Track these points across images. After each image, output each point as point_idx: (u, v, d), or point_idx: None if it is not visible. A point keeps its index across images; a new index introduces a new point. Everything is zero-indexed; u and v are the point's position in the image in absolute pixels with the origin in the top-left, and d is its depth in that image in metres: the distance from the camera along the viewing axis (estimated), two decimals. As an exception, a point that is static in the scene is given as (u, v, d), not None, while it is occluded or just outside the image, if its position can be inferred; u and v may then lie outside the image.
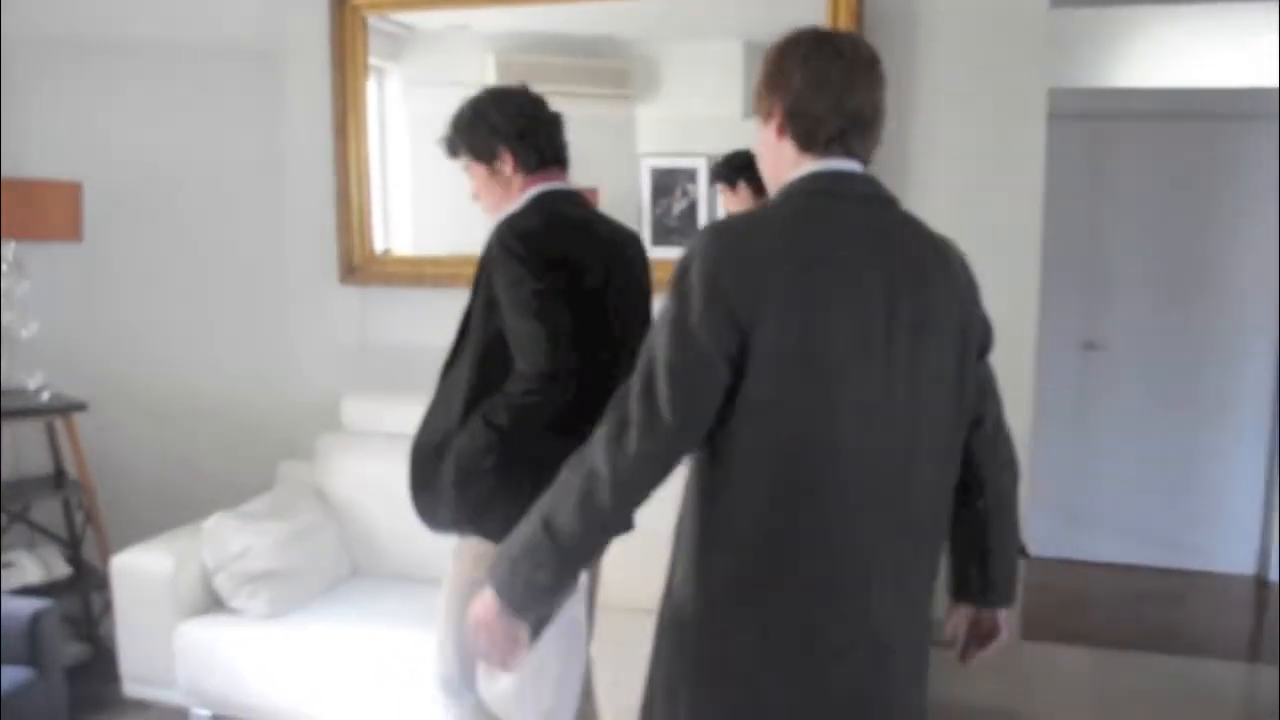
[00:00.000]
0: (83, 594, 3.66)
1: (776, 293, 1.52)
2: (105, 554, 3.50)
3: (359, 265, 3.83)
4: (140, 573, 3.30)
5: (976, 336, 1.72)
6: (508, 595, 1.61)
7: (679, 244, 3.48)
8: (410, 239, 3.94)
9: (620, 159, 3.64)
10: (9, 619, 2.86)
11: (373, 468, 3.47)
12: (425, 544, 2.55)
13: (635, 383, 1.55)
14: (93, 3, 3.76)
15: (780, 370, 1.52)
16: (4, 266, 3.42)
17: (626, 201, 3.59)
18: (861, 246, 1.60)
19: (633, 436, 1.52)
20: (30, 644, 2.84)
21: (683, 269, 1.56)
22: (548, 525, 1.56)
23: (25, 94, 3.73)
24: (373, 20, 3.75)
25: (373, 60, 3.80)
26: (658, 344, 1.54)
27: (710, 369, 1.51)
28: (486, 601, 1.63)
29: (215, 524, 3.26)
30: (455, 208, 3.92)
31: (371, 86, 3.83)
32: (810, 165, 1.65)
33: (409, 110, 3.88)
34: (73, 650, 3.61)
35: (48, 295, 3.54)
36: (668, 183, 3.59)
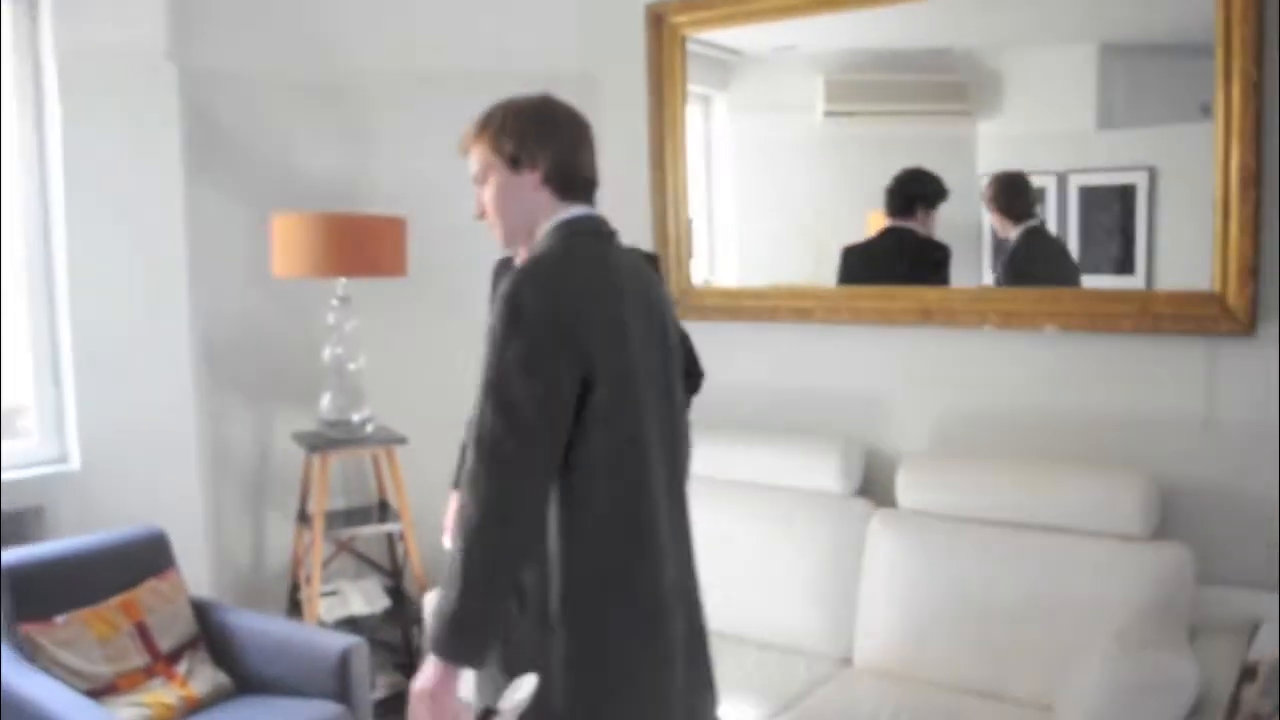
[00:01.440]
0: (402, 626, 3.71)
1: (601, 320, 1.83)
2: (422, 588, 3.52)
3: (678, 298, 3.68)
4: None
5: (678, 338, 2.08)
6: (440, 648, 1.76)
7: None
8: (735, 270, 3.79)
9: (958, 179, 3.33)
10: (320, 654, 2.89)
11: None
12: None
13: (496, 424, 1.75)
14: (414, 40, 3.82)
15: (615, 384, 1.83)
16: (335, 302, 3.52)
17: (965, 224, 3.30)
18: (633, 277, 1.98)
19: (514, 468, 1.75)
20: (339, 680, 2.87)
21: (514, 310, 1.77)
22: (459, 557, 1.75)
23: (361, 132, 3.85)
24: (699, 48, 3.63)
25: (699, 88, 3.68)
26: (512, 385, 1.75)
27: (566, 396, 1.78)
28: (425, 671, 1.78)
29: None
30: (778, 238, 3.77)
31: (698, 115, 3.71)
32: (569, 211, 1.96)
33: (734, 138, 3.74)
34: (391, 680, 3.66)
35: (372, 330, 3.61)
36: (1012, 204, 3.25)
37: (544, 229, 1.94)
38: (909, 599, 3.00)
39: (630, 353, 1.86)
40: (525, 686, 1.83)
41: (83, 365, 3.36)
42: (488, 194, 1.97)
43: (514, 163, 1.93)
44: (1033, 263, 3.24)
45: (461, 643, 1.76)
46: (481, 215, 2.00)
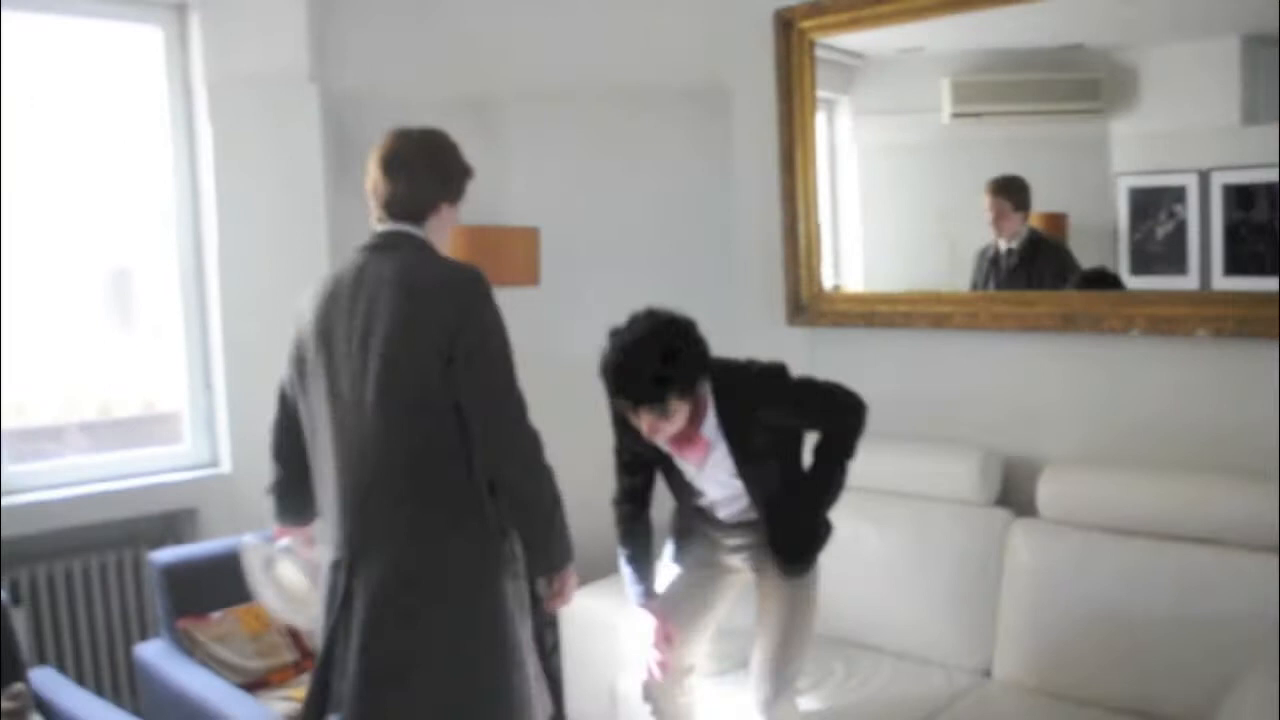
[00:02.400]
0: (536, 626, 3.75)
1: (302, 319, 2.46)
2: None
3: (807, 304, 3.68)
4: (586, 617, 3.33)
5: (441, 347, 2.18)
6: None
7: (1163, 272, 3.08)
8: (860, 275, 3.77)
9: (1091, 181, 3.27)
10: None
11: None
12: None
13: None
14: (546, 57, 3.89)
15: (297, 372, 2.45)
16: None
17: (1098, 227, 3.23)
18: (354, 285, 2.33)
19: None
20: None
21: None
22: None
23: (495, 146, 3.94)
24: (823, 52, 3.61)
25: (823, 93, 3.67)
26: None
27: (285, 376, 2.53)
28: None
29: (660, 567, 3.21)
30: (905, 242, 3.74)
31: (821, 120, 3.69)
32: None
33: (859, 142, 3.73)
34: (525, 682, 3.71)
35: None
36: (1149, 204, 3.14)
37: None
38: (1051, 611, 2.93)
39: (313, 348, 2.33)
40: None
41: (233, 372, 3.50)
42: None
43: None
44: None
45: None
46: None
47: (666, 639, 2.77)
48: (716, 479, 2.73)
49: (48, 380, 3.53)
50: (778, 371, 2.69)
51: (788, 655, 2.73)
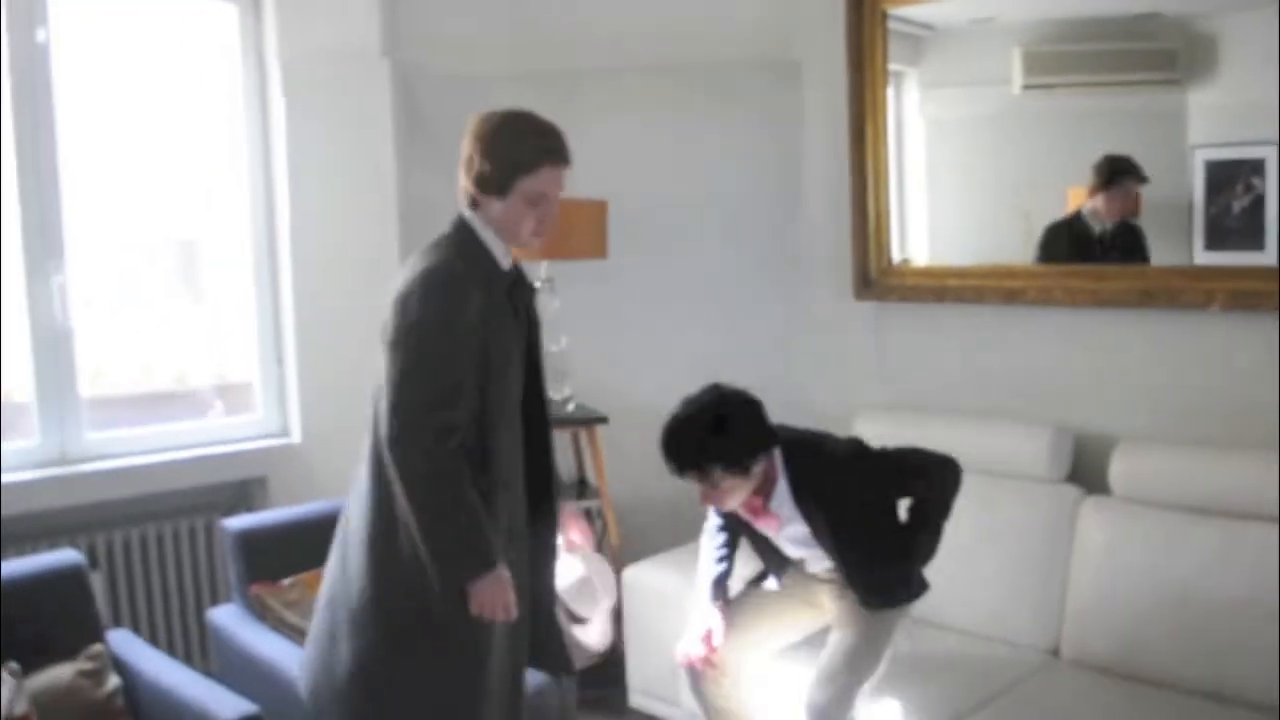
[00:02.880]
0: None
1: None
2: (618, 564, 3.58)
3: (876, 278, 3.65)
4: (648, 588, 3.34)
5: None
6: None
7: (1239, 248, 2.99)
8: (926, 249, 3.72)
9: (1165, 153, 3.18)
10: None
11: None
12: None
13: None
14: (614, 31, 3.89)
15: None
16: (539, 285, 3.61)
17: (1172, 201, 3.15)
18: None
19: None
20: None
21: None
22: None
23: (564, 119, 3.93)
24: (894, 24, 3.56)
25: (891, 65, 3.61)
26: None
27: None
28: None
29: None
30: (974, 217, 3.68)
31: (889, 92, 3.64)
32: None
33: (926, 114, 3.67)
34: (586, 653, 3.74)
35: (574, 311, 3.70)
36: (1227, 177, 3.06)
37: None
38: (1122, 591, 2.88)
39: None
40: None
41: (304, 345, 3.55)
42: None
43: None
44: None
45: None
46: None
47: (708, 640, 2.79)
48: (794, 543, 2.78)
49: (124, 350, 3.61)
50: (859, 452, 2.69)
51: (852, 667, 2.68)
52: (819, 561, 2.82)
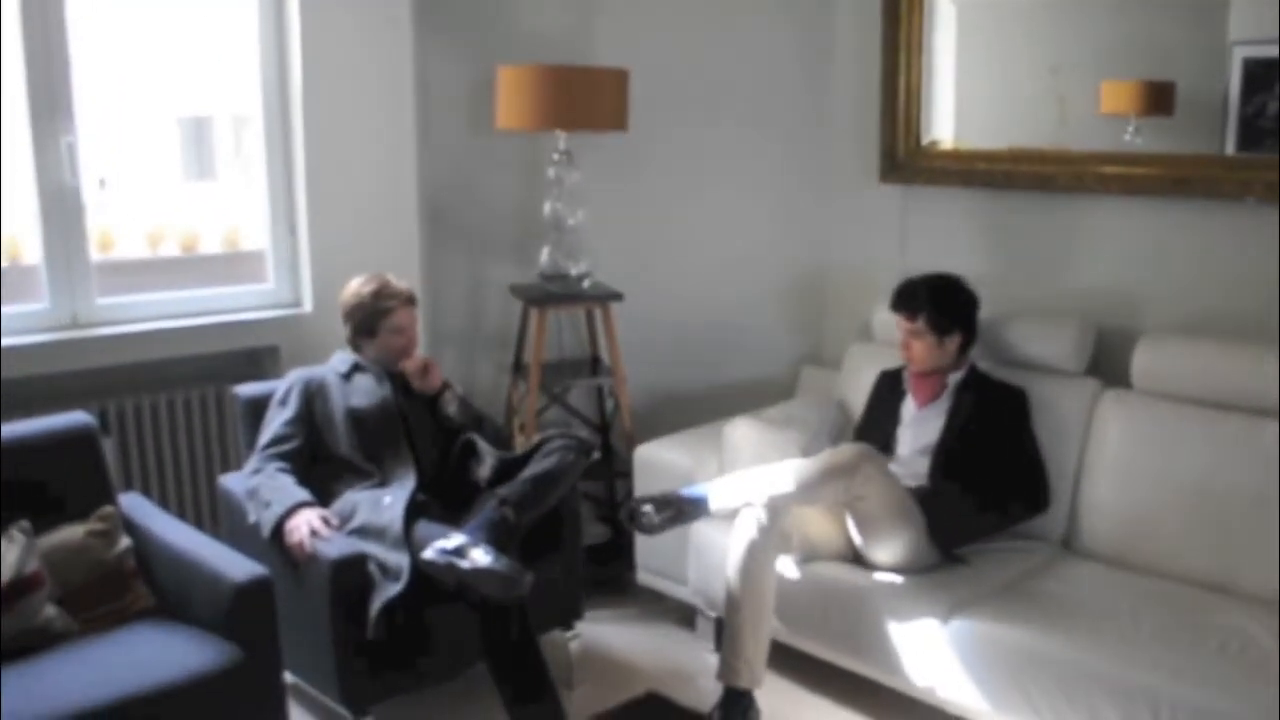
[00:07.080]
0: (607, 479, 3.79)
1: None
2: (630, 443, 3.57)
3: (903, 161, 3.56)
4: (661, 466, 3.33)
5: None
6: None
7: (1272, 150, 2.89)
8: (950, 131, 3.63)
9: (1202, 49, 3.07)
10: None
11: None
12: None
13: None
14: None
15: None
16: (556, 156, 3.53)
17: (1207, 99, 3.05)
18: None
19: None
20: (557, 531, 2.96)
21: None
22: None
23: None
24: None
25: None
26: None
27: None
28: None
29: (736, 428, 3.19)
30: (1003, 99, 3.57)
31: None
32: None
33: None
34: (595, 531, 3.77)
35: (593, 185, 3.62)
36: (1265, 76, 2.94)
37: None
38: (1137, 483, 2.88)
39: None
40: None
41: (316, 215, 3.48)
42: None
43: None
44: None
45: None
46: None
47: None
48: (918, 435, 3.04)
49: (134, 217, 3.56)
50: (1023, 410, 3.02)
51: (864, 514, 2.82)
52: (914, 479, 2.95)
